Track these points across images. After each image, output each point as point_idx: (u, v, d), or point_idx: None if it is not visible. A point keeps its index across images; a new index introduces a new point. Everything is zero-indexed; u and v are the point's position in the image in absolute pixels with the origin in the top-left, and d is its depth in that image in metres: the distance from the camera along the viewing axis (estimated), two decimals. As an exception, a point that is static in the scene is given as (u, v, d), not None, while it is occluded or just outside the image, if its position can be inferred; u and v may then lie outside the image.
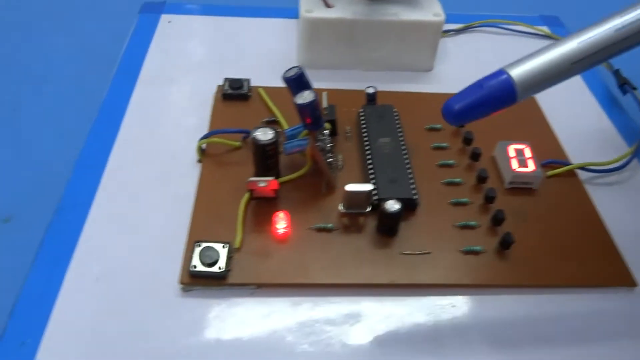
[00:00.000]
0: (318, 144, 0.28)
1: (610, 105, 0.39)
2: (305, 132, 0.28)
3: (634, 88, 0.38)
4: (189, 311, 0.24)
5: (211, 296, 0.25)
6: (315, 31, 0.37)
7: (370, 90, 0.33)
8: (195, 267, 0.24)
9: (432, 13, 0.37)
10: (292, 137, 0.29)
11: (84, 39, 0.44)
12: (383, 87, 0.38)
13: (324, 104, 0.31)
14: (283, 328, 0.24)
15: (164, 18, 0.43)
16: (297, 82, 0.26)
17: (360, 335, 0.24)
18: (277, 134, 0.27)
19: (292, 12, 0.45)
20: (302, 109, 0.25)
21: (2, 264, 0.30)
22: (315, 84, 0.37)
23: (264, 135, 0.27)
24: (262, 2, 0.49)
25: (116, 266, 0.26)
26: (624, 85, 0.38)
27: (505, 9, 0.52)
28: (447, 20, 0.42)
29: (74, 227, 0.27)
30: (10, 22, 0.48)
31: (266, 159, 0.28)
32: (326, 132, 0.29)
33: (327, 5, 0.37)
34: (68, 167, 0.31)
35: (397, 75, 0.40)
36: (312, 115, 0.26)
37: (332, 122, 0.31)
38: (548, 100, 0.37)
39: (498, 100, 0.21)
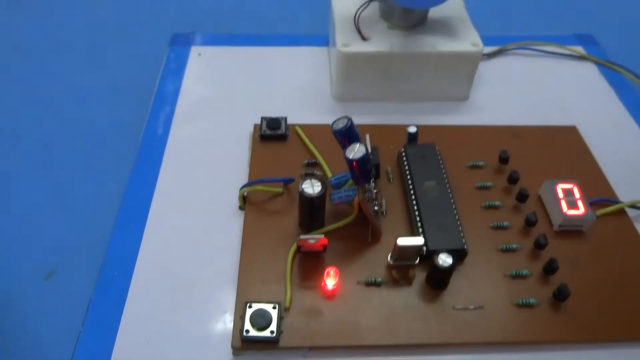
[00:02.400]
0: (366, 194, 0.27)
1: (654, 132, 0.38)
2: (351, 181, 0.27)
3: (680, 116, 0.37)
4: (242, 375, 0.24)
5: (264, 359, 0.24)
6: (352, 65, 0.37)
7: (412, 130, 0.33)
8: (247, 331, 0.24)
9: (471, 43, 0.37)
10: (338, 185, 0.28)
11: (116, 74, 0.43)
12: (419, 118, 0.38)
13: (367, 146, 0.31)
14: (338, 391, 0.24)
15: (194, 50, 0.43)
16: (346, 134, 0.25)
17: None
18: (324, 186, 0.27)
19: (319, 40, 0.44)
20: (353, 163, 0.25)
21: (50, 325, 0.29)
22: (351, 116, 0.36)
23: (312, 188, 0.26)
24: (288, 29, 0.48)
25: (166, 328, 0.25)
26: (670, 112, 0.37)
27: (537, 27, 0.52)
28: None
29: (121, 285, 0.27)
30: (40, 59, 0.47)
31: (313, 211, 0.27)
32: (373, 176, 0.29)
33: (363, 38, 0.36)
34: (110, 216, 0.31)
35: (433, 106, 0.39)
36: (362, 170, 0.25)
37: (376, 167, 0.31)
38: (592, 132, 0.37)
39: None
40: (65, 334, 0.25)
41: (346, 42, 0.36)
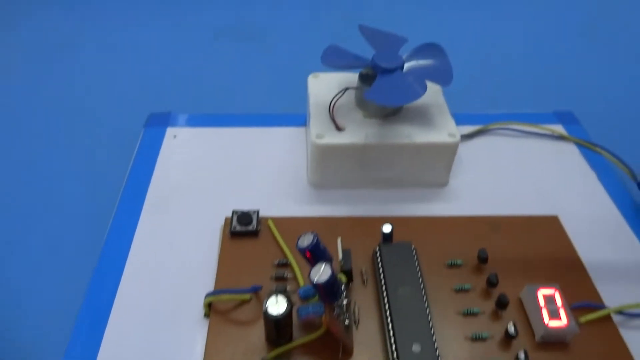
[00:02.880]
0: (335, 311, 0.26)
1: (638, 222, 0.37)
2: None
3: (663, 207, 0.36)
4: None
5: None
6: (327, 155, 0.36)
7: (387, 230, 0.32)
8: None
9: (447, 133, 0.36)
10: (306, 297, 0.27)
11: (89, 157, 0.42)
12: (396, 207, 0.37)
13: (339, 254, 0.29)
14: None
15: (170, 132, 0.42)
16: (312, 251, 0.24)
17: None
18: (290, 304, 0.25)
19: (298, 119, 0.44)
20: (317, 287, 0.23)
21: None
22: (327, 207, 0.36)
23: (276, 307, 0.25)
24: (269, 107, 0.48)
25: None
26: (652, 203, 0.37)
27: (517, 104, 0.51)
28: (458, 122, 0.41)
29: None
30: (9, 136, 0.46)
31: (279, 329, 0.26)
32: (343, 293, 0.27)
33: (338, 129, 0.36)
34: (68, 321, 0.29)
35: (410, 194, 0.38)
36: (329, 292, 0.24)
37: (348, 272, 0.29)
38: (575, 223, 0.36)
39: None
40: None
41: (320, 133, 0.35)
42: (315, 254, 0.24)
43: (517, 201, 0.38)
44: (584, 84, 0.55)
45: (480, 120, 0.45)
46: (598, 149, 0.43)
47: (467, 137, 0.44)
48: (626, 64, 0.59)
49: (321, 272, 0.23)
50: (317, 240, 0.24)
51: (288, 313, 0.25)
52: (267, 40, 0.59)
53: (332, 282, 0.23)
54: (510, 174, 0.40)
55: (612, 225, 0.37)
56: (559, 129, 0.45)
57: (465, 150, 0.42)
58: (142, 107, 0.45)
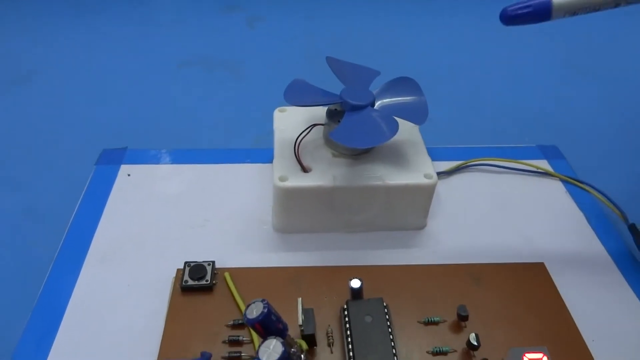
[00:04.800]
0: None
1: (631, 269, 0.34)
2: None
3: (656, 253, 0.33)
4: None
5: None
6: (291, 199, 0.33)
7: (356, 285, 0.28)
8: None
9: (423, 174, 0.33)
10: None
11: (33, 199, 0.39)
12: (369, 255, 0.34)
13: (299, 318, 0.26)
14: None
15: (124, 170, 0.39)
16: (261, 325, 0.21)
17: None
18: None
19: (266, 155, 0.40)
20: (266, 367, 0.20)
21: None
22: (291, 255, 0.32)
23: (222, 387, 0.21)
24: (235, 140, 0.45)
25: None
26: (644, 248, 0.34)
27: (499, 138, 0.49)
28: (436, 157, 0.38)
29: None
30: None
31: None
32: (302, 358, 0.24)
33: (304, 170, 0.33)
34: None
35: (384, 238, 0.35)
36: (279, 372, 0.20)
37: (311, 337, 0.26)
38: (562, 270, 0.33)
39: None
40: None
41: (284, 175, 0.32)
42: (267, 327, 0.21)
43: (500, 246, 0.35)
44: (567, 118, 0.53)
45: (460, 154, 0.42)
46: (586, 187, 0.40)
47: (446, 173, 0.41)
48: (611, 98, 0.57)
49: (271, 350, 0.20)
50: (267, 310, 0.21)
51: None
52: (236, 71, 0.57)
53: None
54: (493, 215, 0.38)
55: (604, 274, 0.34)
56: (544, 164, 0.43)
57: (445, 187, 0.40)
58: (98, 142, 0.41)
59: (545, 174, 0.42)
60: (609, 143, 0.49)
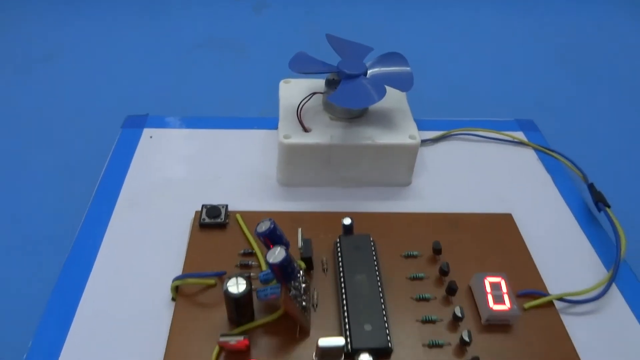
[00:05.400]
0: (291, 292, 0.27)
1: (587, 221, 0.40)
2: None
3: (608, 206, 0.38)
4: None
5: None
6: (293, 155, 0.38)
7: (347, 222, 0.34)
8: None
9: (408, 135, 0.38)
10: (266, 281, 0.28)
11: (68, 154, 0.44)
12: (360, 204, 0.39)
13: (299, 242, 0.31)
14: None
15: (146, 132, 0.44)
16: (269, 236, 0.26)
17: None
18: (249, 283, 0.27)
19: (271, 123, 0.46)
20: (272, 267, 0.25)
21: None
22: (294, 203, 0.38)
23: (236, 287, 0.27)
24: (244, 112, 0.50)
25: None
26: (599, 202, 0.39)
27: (482, 112, 0.54)
28: (424, 127, 0.43)
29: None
30: None
31: (238, 308, 0.28)
32: (300, 275, 0.29)
33: (305, 130, 0.38)
34: (42, 302, 0.30)
35: (374, 192, 0.40)
36: (283, 273, 0.26)
37: (308, 260, 0.31)
38: (527, 220, 0.38)
39: None
40: None
41: (287, 133, 0.37)
42: (273, 239, 0.26)
43: (476, 200, 0.40)
44: (545, 97, 0.58)
45: (446, 126, 0.47)
46: (555, 154, 0.46)
47: (432, 141, 0.46)
48: (587, 80, 0.62)
49: (276, 254, 0.25)
50: (273, 226, 0.26)
51: (247, 293, 0.27)
52: (243, 52, 0.62)
53: (286, 263, 0.25)
54: (471, 176, 0.43)
55: (562, 223, 0.39)
56: (520, 135, 0.48)
57: (430, 153, 0.45)
58: (121, 110, 0.47)
59: (520, 143, 0.47)
60: (580, 118, 0.54)
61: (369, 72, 0.38)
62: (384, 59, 0.40)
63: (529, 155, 0.46)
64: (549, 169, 0.44)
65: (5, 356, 0.32)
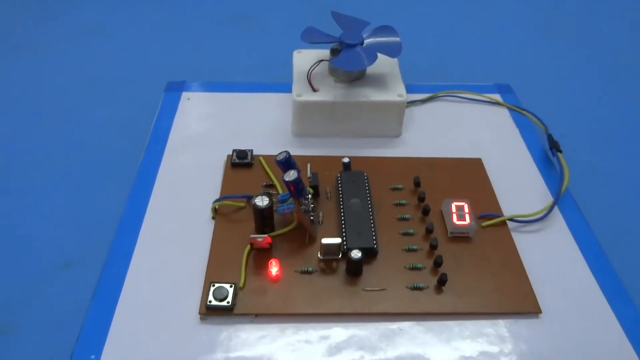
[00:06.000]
0: (302, 207, 0.37)
1: (544, 164, 0.48)
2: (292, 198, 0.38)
3: (560, 151, 0.47)
4: (206, 335, 0.33)
5: (221, 323, 0.34)
6: (304, 110, 0.47)
7: (346, 160, 0.43)
8: (210, 302, 0.34)
9: (397, 94, 0.47)
10: (283, 200, 0.38)
11: (121, 111, 0.55)
12: (357, 151, 0.48)
13: (308, 172, 0.41)
14: (275, 347, 0.33)
15: (185, 95, 0.54)
16: (285, 163, 0.36)
17: (331, 352, 0.33)
18: (271, 200, 0.37)
19: (287, 87, 0.55)
20: (287, 184, 0.35)
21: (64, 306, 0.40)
22: (305, 150, 0.47)
23: (262, 202, 0.36)
24: (263, 78, 0.60)
25: (150, 298, 0.35)
26: (552, 148, 0.48)
27: (467, 77, 0.63)
28: (415, 91, 0.52)
29: (120, 275, 0.37)
30: (54, 95, 0.59)
31: (263, 219, 0.37)
32: (309, 196, 0.39)
33: (314, 90, 0.47)
34: (114, 223, 0.41)
35: (370, 142, 0.49)
36: (295, 188, 0.35)
37: (315, 187, 0.41)
38: (494, 163, 0.47)
39: None
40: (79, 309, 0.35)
41: (299, 93, 0.47)
42: (288, 165, 0.36)
43: (453, 148, 0.49)
44: (524, 63, 0.66)
45: (433, 89, 0.56)
46: (524, 112, 0.54)
47: (421, 102, 0.55)
48: (564, 47, 0.70)
49: (291, 175, 0.35)
50: (289, 155, 0.36)
51: (269, 206, 0.37)
52: (263, 25, 0.72)
53: (298, 181, 0.35)
54: (451, 130, 0.52)
55: (522, 165, 0.48)
56: (497, 97, 0.56)
57: (419, 112, 0.54)
58: (163, 77, 0.56)
59: (496, 103, 0.56)
60: (552, 79, 0.63)
61: (365, 41, 0.47)
62: (377, 31, 0.49)
63: (503, 114, 0.55)
64: (518, 123, 0.53)
65: (89, 260, 0.43)
